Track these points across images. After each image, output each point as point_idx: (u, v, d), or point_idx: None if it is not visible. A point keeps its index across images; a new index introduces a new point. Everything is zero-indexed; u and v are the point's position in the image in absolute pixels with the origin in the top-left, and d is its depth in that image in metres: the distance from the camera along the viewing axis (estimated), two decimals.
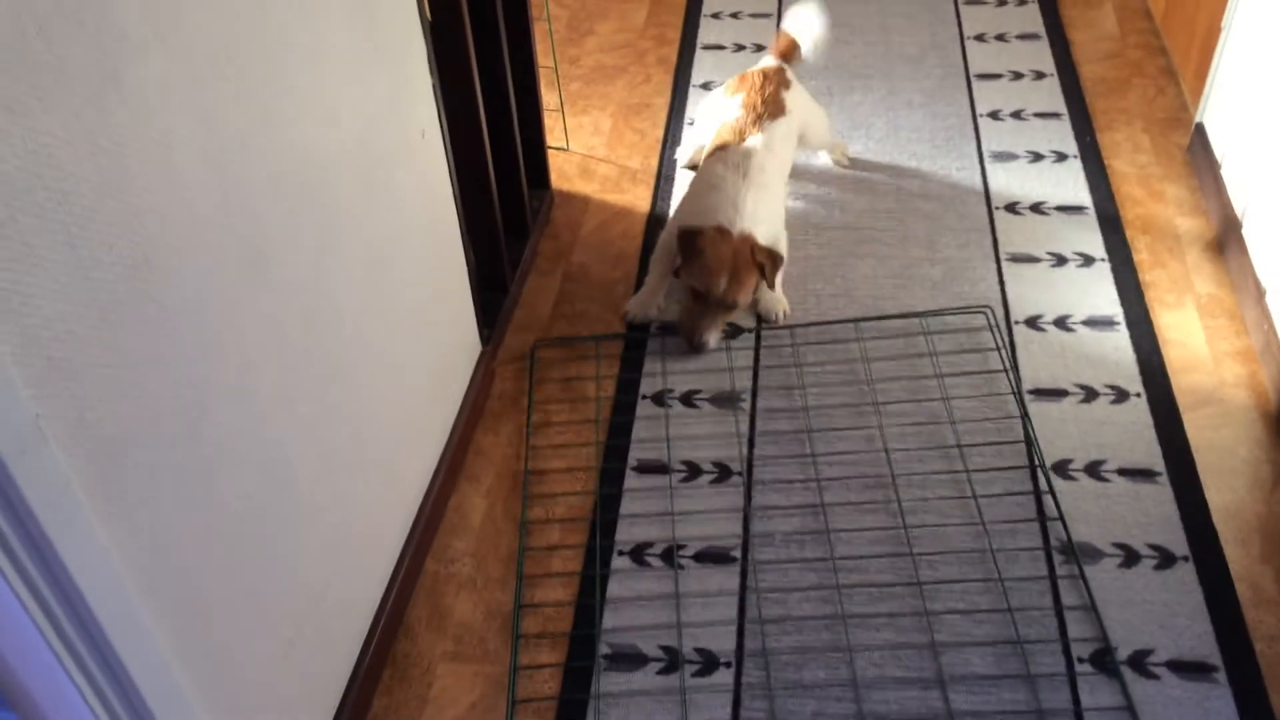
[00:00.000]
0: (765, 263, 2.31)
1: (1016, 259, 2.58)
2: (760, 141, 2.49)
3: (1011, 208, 2.72)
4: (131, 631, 1.12)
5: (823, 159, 2.92)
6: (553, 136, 3.01)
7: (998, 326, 2.33)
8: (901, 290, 2.51)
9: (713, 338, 2.36)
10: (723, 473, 2.13)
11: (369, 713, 1.77)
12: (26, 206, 0.97)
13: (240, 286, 1.33)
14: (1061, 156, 2.88)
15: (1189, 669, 1.76)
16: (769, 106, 2.59)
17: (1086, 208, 2.70)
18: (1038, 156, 2.88)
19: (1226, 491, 2.03)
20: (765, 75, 2.68)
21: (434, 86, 1.95)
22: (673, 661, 1.81)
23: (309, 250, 1.51)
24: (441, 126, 2.02)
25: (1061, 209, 2.71)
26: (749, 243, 2.30)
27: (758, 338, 2.43)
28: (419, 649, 1.87)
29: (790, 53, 2.80)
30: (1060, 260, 2.56)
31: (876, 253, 2.62)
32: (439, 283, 2.07)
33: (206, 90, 1.24)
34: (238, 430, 1.35)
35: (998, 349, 2.30)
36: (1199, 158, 2.77)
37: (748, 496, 2.08)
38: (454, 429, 2.16)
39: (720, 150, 2.49)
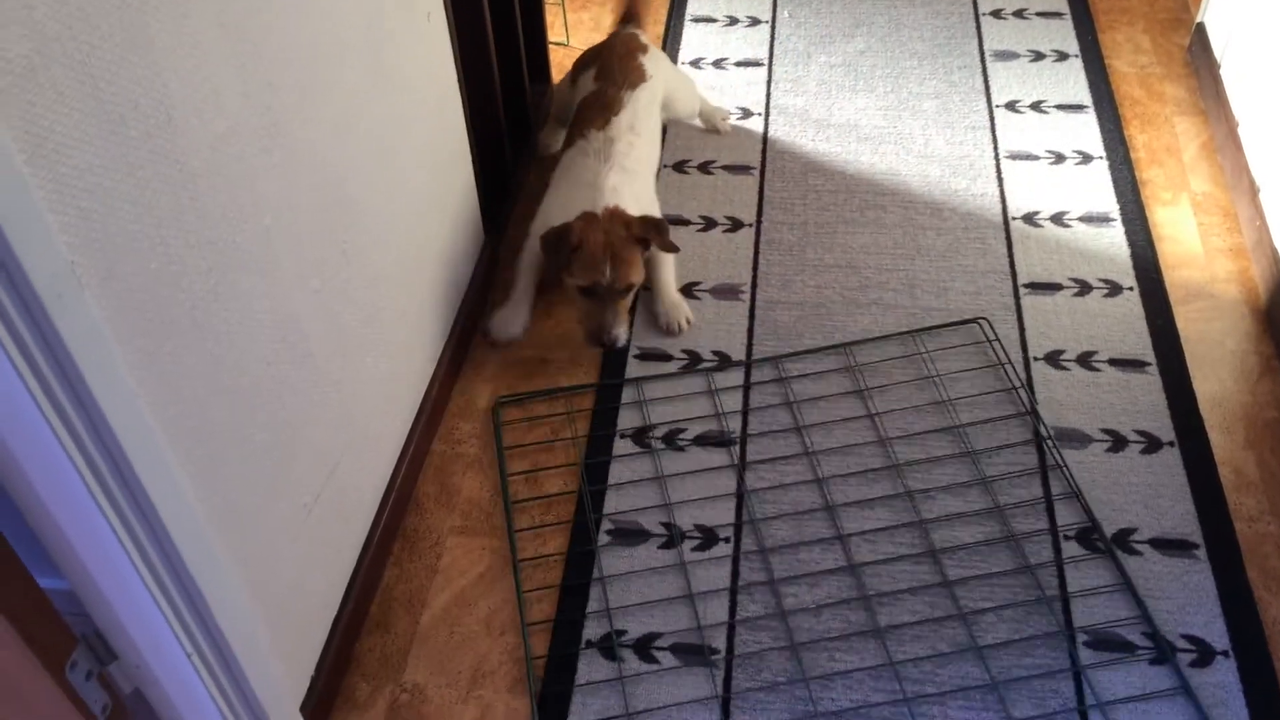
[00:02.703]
0: (646, 233, 2.12)
1: (1015, 156, 2.59)
2: (624, 121, 2.33)
3: (1012, 106, 2.73)
4: (162, 476, 1.16)
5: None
6: (553, 31, 2.99)
7: (996, 339, 2.17)
8: (901, 187, 2.53)
9: (621, 332, 2.10)
10: (724, 360, 2.18)
11: (380, 581, 1.84)
12: (57, 55, 0.98)
13: (257, 155, 1.35)
14: (1063, 56, 2.88)
15: (1170, 545, 1.83)
16: (627, 75, 2.40)
17: (1086, 106, 2.71)
18: (1039, 55, 2.88)
19: (1214, 381, 2.09)
20: (619, 40, 2.54)
21: None
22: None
23: (322, 124, 1.52)
24: (447, 11, 2.01)
25: (1061, 107, 2.72)
26: (620, 218, 2.12)
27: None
28: (428, 523, 1.92)
29: (636, 11, 2.66)
30: (1059, 158, 2.58)
31: (875, 151, 2.63)
32: (444, 169, 2.09)
33: None
34: (256, 297, 1.38)
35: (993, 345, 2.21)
36: (1199, 58, 2.78)
37: (747, 391, 2.13)
38: (459, 316, 2.19)
39: (580, 139, 2.32)
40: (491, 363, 2.21)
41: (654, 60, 2.52)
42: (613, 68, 2.44)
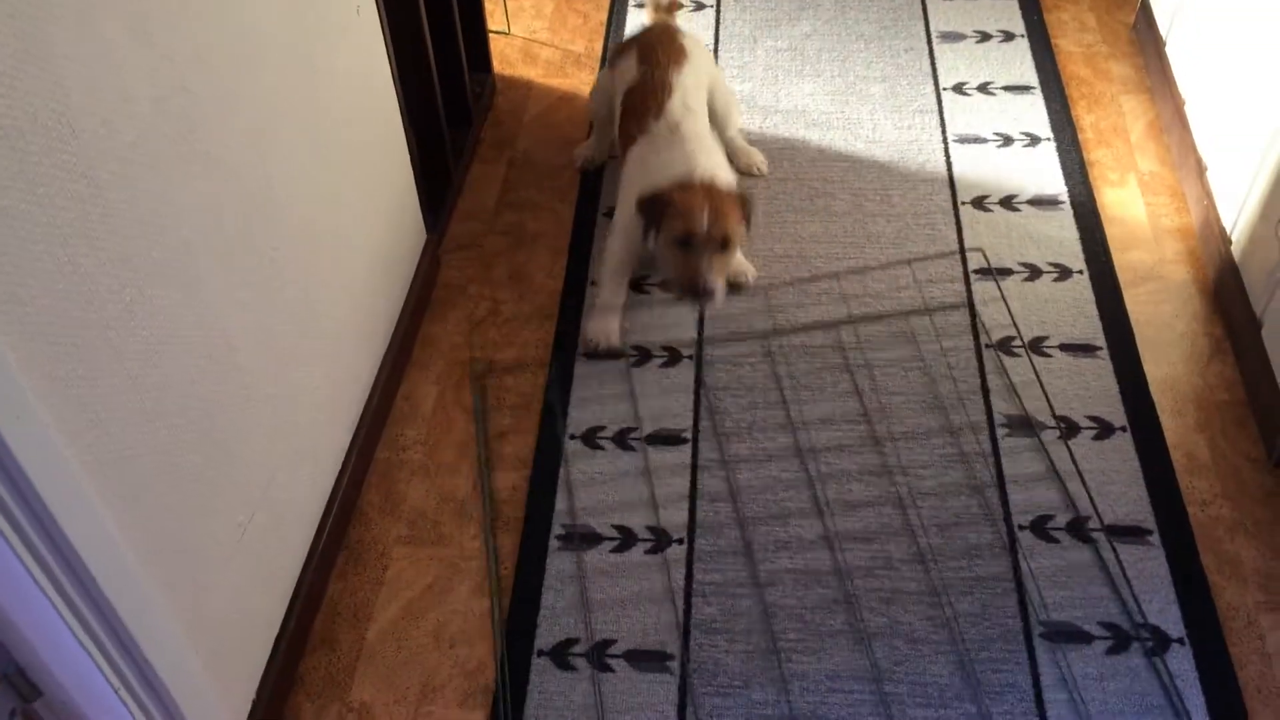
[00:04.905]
0: (740, 204, 2.04)
1: (964, 140, 2.57)
2: (677, 102, 2.21)
3: (959, 89, 2.71)
4: (77, 506, 1.11)
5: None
6: (493, 20, 2.92)
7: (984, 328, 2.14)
8: (850, 173, 2.50)
9: (718, 283, 1.99)
10: (673, 356, 2.14)
11: (325, 595, 1.78)
12: None
13: (173, 163, 1.29)
14: (1009, 36, 2.86)
15: (1124, 533, 1.82)
16: (671, 56, 2.29)
17: (1033, 87, 2.70)
18: (985, 36, 2.86)
19: (1164, 364, 2.08)
20: (655, 28, 2.42)
21: None
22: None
23: (244, 128, 1.46)
24: (377, 3, 1.95)
25: (1008, 89, 2.70)
26: (718, 185, 2.04)
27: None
28: (373, 534, 1.87)
29: (673, 3, 2.53)
30: (1007, 140, 2.56)
31: (823, 137, 2.60)
32: (381, 168, 2.03)
33: None
34: (178, 313, 1.31)
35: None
36: (1144, 36, 2.77)
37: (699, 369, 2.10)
38: (401, 317, 2.13)
39: (642, 136, 2.19)
40: (436, 365, 2.15)
41: (694, 44, 2.39)
42: (654, 49, 2.30)
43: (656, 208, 2.02)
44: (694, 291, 1.99)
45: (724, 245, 2.01)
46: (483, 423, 1.88)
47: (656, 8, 2.53)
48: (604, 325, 2.15)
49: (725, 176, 2.10)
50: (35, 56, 1.04)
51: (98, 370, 1.16)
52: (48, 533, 1.09)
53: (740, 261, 2.26)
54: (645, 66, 2.28)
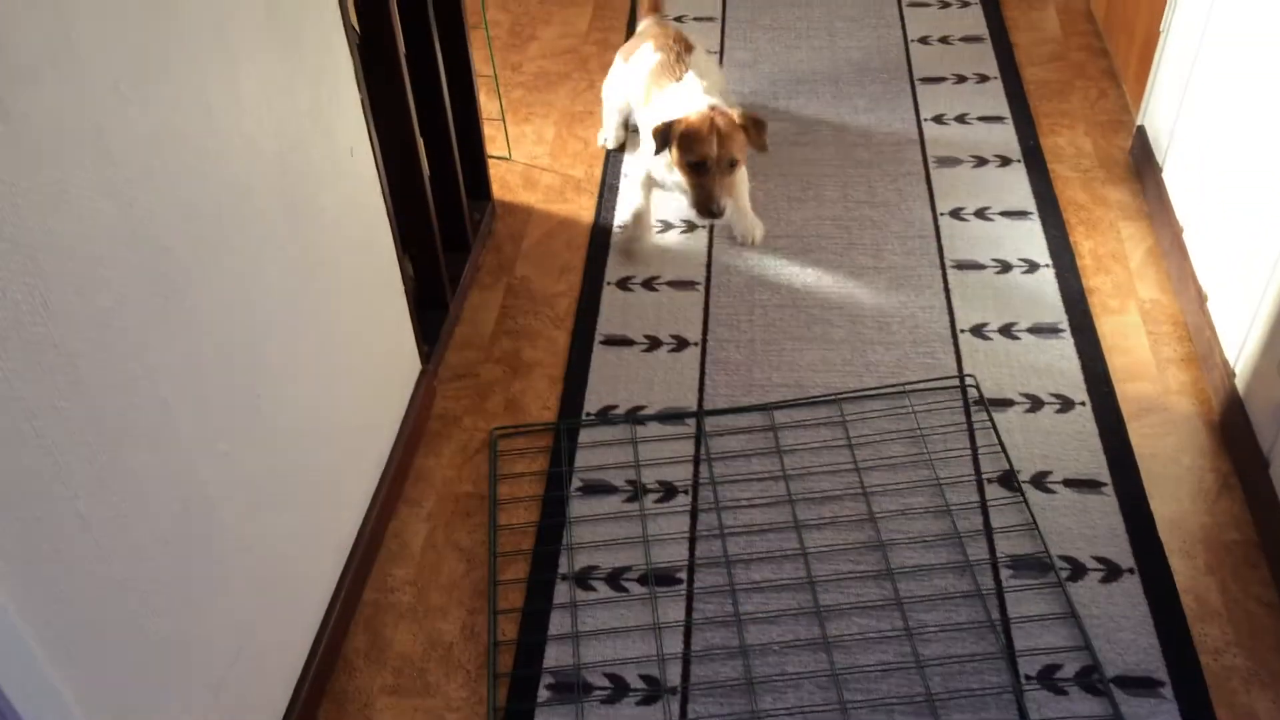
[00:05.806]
0: (748, 124, 2.45)
1: (962, 266, 2.56)
2: (693, 69, 2.63)
3: (956, 214, 2.71)
4: (33, 685, 1.07)
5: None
6: (494, 146, 2.96)
7: (982, 400, 2.23)
8: (848, 300, 2.49)
9: (725, 204, 2.47)
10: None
11: None
12: None
13: (151, 323, 1.27)
14: (1005, 161, 2.87)
15: (1136, 684, 1.75)
16: (679, 44, 2.69)
17: (1030, 213, 2.70)
18: (982, 161, 2.87)
19: (1171, 501, 2.03)
20: (654, 24, 2.84)
21: (362, 102, 1.90)
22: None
23: (228, 279, 1.45)
24: (372, 143, 1.96)
25: (1006, 214, 2.70)
26: (723, 111, 2.44)
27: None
28: (357, 683, 1.81)
29: (659, 4, 2.97)
30: (1005, 267, 2.55)
31: (821, 262, 2.59)
32: (374, 303, 2.02)
33: (106, 115, 1.18)
34: (152, 474, 1.29)
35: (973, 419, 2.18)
36: (1140, 161, 2.78)
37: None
38: (393, 452, 2.10)
39: (656, 90, 2.63)
40: (429, 501, 2.11)
41: (691, 40, 2.78)
42: (667, 38, 2.71)
43: (670, 133, 2.43)
44: (706, 210, 2.45)
45: (731, 166, 2.45)
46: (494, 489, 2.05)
47: (650, 8, 2.96)
48: (638, 239, 2.64)
49: (730, 110, 2.48)
50: (6, 228, 1.03)
51: (64, 543, 1.13)
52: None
53: (751, 221, 2.64)
54: (662, 53, 2.68)
